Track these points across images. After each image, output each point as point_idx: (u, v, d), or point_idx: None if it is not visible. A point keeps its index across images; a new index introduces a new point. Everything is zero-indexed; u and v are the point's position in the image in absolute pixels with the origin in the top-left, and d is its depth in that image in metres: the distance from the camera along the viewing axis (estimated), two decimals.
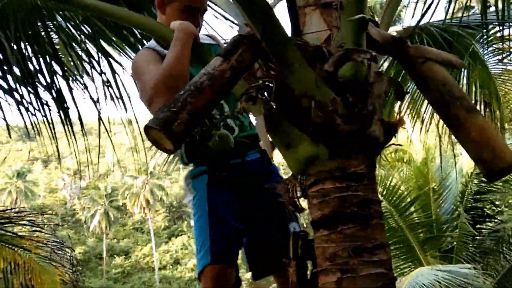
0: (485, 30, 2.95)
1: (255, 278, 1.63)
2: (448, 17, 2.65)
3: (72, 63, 2.58)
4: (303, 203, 1.32)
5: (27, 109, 2.55)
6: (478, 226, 7.49)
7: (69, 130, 2.61)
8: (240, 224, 1.54)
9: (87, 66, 2.42)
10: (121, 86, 2.47)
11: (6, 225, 4.35)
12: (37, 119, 2.60)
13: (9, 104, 2.52)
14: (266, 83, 1.17)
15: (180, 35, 1.38)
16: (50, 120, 2.61)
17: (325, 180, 1.13)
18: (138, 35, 2.43)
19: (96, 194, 38.73)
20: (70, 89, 2.45)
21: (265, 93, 1.18)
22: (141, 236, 41.48)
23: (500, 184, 7.59)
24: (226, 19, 2.21)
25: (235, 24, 1.86)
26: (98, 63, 2.41)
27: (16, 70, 2.46)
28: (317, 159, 1.15)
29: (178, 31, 1.39)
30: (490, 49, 3.65)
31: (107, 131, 2.56)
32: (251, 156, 1.60)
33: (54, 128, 2.67)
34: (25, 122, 2.63)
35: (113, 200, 38.91)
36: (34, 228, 4.56)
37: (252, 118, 1.65)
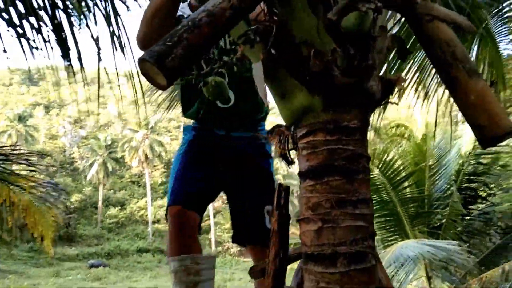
0: (503, 4, 2.84)
1: (233, 241, 1.80)
2: None
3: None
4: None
5: (30, 46, 2.51)
6: (469, 206, 7.59)
7: (72, 76, 2.58)
8: (209, 185, 1.67)
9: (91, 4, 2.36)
10: (125, 36, 2.42)
11: (3, 162, 4.40)
12: (40, 62, 2.56)
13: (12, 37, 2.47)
14: (267, 27, 1.14)
15: None
16: (52, 65, 2.57)
17: (316, 131, 1.13)
18: None
19: (95, 144, 38.98)
20: (72, 27, 2.40)
21: (265, 38, 1.15)
22: (138, 189, 42.10)
23: (498, 168, 7.62)
24: None
25: None
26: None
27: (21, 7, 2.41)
28: (311, 110, 1.14)
29: None
30: (504, 26, 3.55)
31: (110, 82, 2.53)
32: (240, 133, 1.64)
33: (57, 74, 2.64)
34: (28, 66, 2.59)
35: (112, 152, 39.20)
36: (31, 168, 4.61)
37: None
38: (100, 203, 38.01)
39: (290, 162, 1.34)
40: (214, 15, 1.05)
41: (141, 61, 0.99)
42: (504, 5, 3.13)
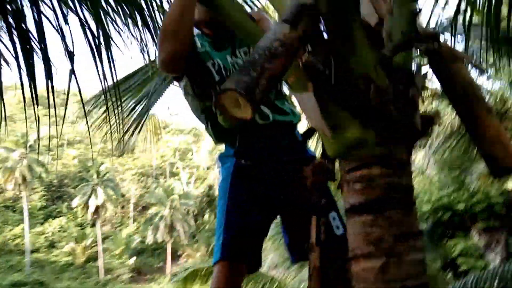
0: None
1: (293, 261, 1.63)
2: None
3: None
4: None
5: None
6: None
7: None
8: (264, 215, 1.52)
9: None
10: None
11: None
12: None
13: None
14: (320, 59, 1.12)
15: None
16: None
17: (372, 165, 1.13)
18: None
19: None
20: None
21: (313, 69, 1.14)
22: (13, 215, 37.47)
23: None
24: None
25: None
26: None
27: None
28: (364, 143, 1.14)
29: None
30: None
31: None
32: (283, 141, 1.55)
33: None
34: None
35: None
36: None
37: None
38: None
39: (324, 194, 1.32)
40: (287, 45, 1.01)
41: (224, 91, 0.90)
42: None
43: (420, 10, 1.17)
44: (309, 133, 1.38)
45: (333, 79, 1.11)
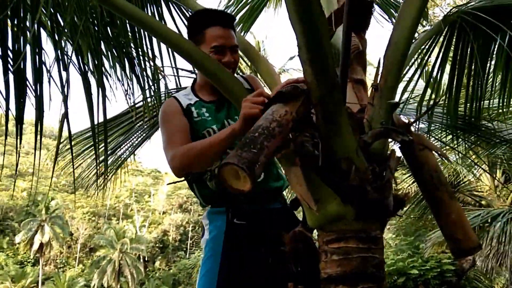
0: None
1: None
2: None
3: None
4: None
5: None
6: None
7: None
8: (265, 276, 1.48)
9: None
10: None
11: None
12: None
13: None
14: (309, 140, 1.24)
15: (240, 124, 1.32)
16: None
17: (349, 239, 1.23)
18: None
19: None
20: None
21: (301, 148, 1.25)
22: None
23: None
24: None
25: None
26: None
27: None
28: (343, 218, 1.25)
29: (242, 116, 1.30)
30: None
31: None
32: (273, 205, 1.60)
33: None
34: None
35: None
36: None
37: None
38: None
39: (299, 264, 1.40)
40: (283, 126, 1.13)
41: (226, 165, 0.99)
42: None
43: (398, 104, 1.34)
44: (296, 202, 1.47)
45: (320, 159, 1.22)
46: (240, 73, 1.78)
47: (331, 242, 1.26)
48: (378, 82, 1.37)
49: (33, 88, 1.60)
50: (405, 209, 7.17)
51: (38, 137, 1.71)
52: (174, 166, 1.46)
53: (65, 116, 1.58)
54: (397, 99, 1.42)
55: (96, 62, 1.86)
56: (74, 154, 2.98)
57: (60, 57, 1.66)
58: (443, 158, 1.53)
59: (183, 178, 1.49)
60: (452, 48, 2.51)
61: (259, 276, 1.46)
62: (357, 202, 1.25)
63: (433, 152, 1.48)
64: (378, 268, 1.23)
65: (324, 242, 1.28)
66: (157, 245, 39.32)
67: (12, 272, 33.97)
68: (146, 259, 36.47)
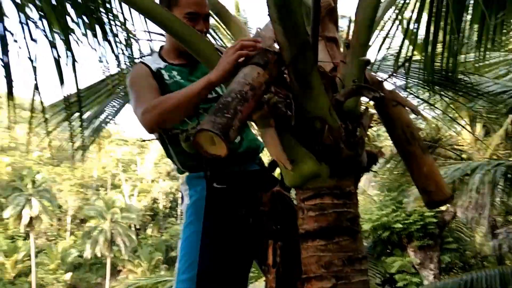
0: None
1: None
2: None
3: None
4: None
5: None
6: None
7: None
8: (248, 241, 1.50)
9: None
10: None
11: None
12: None
13: None
14: (282, 100, 1.25)
15: (217, 72, 1.29)
16: None
17: (324, 195, 1.27)
18: None
19: None
20: None
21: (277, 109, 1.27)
22: None
23: None
24: None
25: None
26: None
27: None
28: (318, 176, 1.28)
29: (220, 66, 1.29)
30: None
31: None
32: (251, 167, 1.61)
33: None
34: None
35: None
36: None
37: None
38: None
39: (275, 222, 1.44)
40: (256, 89, 1.14)
41: (200, 131, 1.01)
42: None
43: (369, 61, 1.35)
44: (274, 163, 1.50)
45: (293, 119, 1.24)
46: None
47: (307, 199, 1.30)
48: (349, 39, 1.37)
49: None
50: (388, 165, 7.35)
51: (12, 110, 1.69)
52: (146, 120, 1.38)
53: (35, 86, 1.55)
54: (375, 55, 1.43)
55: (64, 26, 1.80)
56: (54, 126, 2.95)
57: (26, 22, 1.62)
58: (416, 114, 1.56)
59: (157, 135, 1.49)
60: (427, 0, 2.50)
61: (240, 237, 1.50)
62: (331, 160, 1.28)
63: (407, 108, 1.51)
64: (353, 222, 1.28)
65: (301, 200, 1.32)
66: (147, 213, 39.64)
67: (4, 247, 34.10)
68: (138, 227, 36.84)
